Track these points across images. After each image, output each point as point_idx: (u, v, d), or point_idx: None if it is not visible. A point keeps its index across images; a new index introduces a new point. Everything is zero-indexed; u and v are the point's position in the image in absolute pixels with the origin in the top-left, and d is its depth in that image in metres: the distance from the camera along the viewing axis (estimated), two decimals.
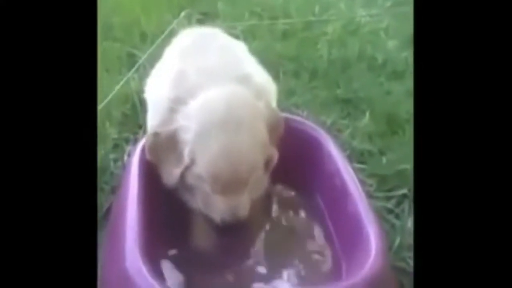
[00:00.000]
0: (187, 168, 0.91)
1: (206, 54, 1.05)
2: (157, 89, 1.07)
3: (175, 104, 0.94)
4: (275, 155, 0.97)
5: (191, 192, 0.96)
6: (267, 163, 0.96)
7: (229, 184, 0.89)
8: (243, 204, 0.92)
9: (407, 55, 1.88)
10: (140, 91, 1.51)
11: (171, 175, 0.94)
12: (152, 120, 1.05)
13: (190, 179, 0.93)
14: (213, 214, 0.93)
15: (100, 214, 1.17)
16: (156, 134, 0.94)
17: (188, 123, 0.91)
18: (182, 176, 0.93)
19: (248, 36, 1.90)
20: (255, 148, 0.91)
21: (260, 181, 0.99)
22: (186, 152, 0.90)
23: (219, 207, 0.91)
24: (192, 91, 0.94)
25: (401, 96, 1.62)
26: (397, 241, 1.12)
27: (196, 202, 0.96)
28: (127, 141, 1.41)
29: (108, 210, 1.16)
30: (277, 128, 0.98)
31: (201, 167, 0.90)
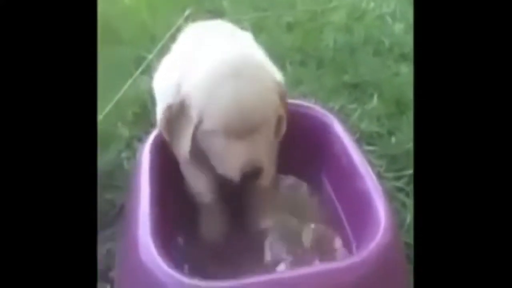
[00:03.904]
0: (197, 127, 0.90)
1: (214, 39, 1.05)
2: (164, 79, 1.07)
3: (181, 79, 0.94)
4: (284, 120, 0.97)
5: (205, 159, 0.95)
6: (278, 124, 0.96)
7: (241, 129, 0.88)
8: (259, 151, 0.90)
9: None
10: (150, 91, 1.54)
11: (183, 141, 0.93)
12: (160, 108, 1.05)
13: (203, 139, 0.92)
14: (231, 168, 0.90)
15: (114, 211, 1.20)
16: (169, 107, 0.93)
17: (194, 85, 0.91)
18: (195, 140, 0.92)
19: (254, 29, 1.91)
20: (265, 95, 0.90)
21: (273, 144, 0.97)
22: (195, 112, 0.90)
23: (235, 158, 0.89)
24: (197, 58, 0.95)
25: (409, 77, 1.61)
26: (408, 218, 1.12)
27: (212, 169, 0.94)
28: (139, 139, 1.43)
29: (122, 207, 1.18)
30: (284, 97, 0.97)
31: (212, 119, 0.89)
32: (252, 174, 0.89)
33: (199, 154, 0.95)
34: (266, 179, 0.94)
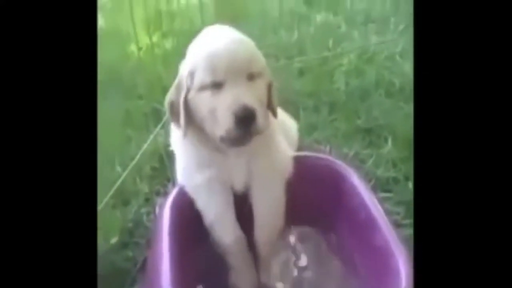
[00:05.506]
0: (189, 89, 0.96)
1: None
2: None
3: None
4: (274, 89, 1.02)
5: (201, 127, 0.99)
6: (268, 89, 1.00)
7: (229, 70, 0.93)
8: (249, 97, 0.93)
9: None
10: (167, 145, 1.56)
11: (181, 117, 0.98)
12: (180, 165, 1.10)
13: (195, 102, 0.97)
14: (224, 118, 0.93)
15: (136, 267, 1.21)
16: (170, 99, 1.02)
17: (187, 63, 0.98)
18: (190, 109, 0.98)
19: None
20: (251, 47, 0.97)
21: (266, 113, 0.99)
22: (187, 71, 0.97)
23: (227, 104, 0.92)
24: None
25: None
26: None
27: (211, 132, 0.97)
28: (157, 194, 1.45)
29: (144, 263, 1.19)
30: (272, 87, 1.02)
31: (201, 68, 0.94)
32: (246, 120, 0.91)
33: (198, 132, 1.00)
34: (261, 124, 0.94)
